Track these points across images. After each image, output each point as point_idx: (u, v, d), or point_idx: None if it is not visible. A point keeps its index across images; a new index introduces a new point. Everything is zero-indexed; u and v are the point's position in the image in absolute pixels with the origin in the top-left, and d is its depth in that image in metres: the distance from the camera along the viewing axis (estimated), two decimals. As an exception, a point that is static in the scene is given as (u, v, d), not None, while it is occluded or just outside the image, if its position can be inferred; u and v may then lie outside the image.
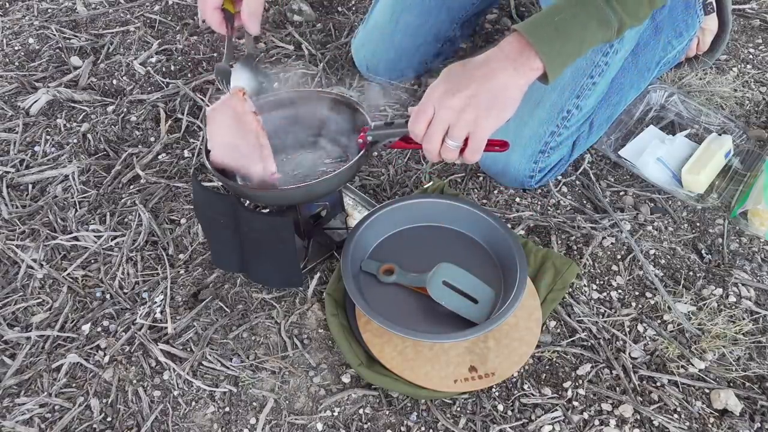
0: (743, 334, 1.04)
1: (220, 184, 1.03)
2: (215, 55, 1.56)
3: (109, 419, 0.98)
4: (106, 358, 1.04)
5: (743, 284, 1.10)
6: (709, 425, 0.94)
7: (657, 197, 1.24)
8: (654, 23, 1.26)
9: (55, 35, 1.61)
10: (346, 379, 1.00)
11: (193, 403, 0.99)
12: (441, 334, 0.98)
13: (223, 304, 1.09)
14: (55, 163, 1.34)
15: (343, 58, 1.53)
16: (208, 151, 1.01)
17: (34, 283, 1.14)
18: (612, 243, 1.16)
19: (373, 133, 0.98)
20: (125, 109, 1.44)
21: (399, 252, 1.09)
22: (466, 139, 0.90)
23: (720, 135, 1.30)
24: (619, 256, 1.15)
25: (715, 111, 1.36)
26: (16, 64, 1.56)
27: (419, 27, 1.39)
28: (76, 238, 1.20)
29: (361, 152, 0.99)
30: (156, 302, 1.10)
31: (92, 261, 1.17)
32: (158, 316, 1.08)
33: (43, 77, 1.52)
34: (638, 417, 0.95)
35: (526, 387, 0.99)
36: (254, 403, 0.98)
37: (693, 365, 1.00)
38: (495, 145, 0.96)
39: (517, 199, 1.24)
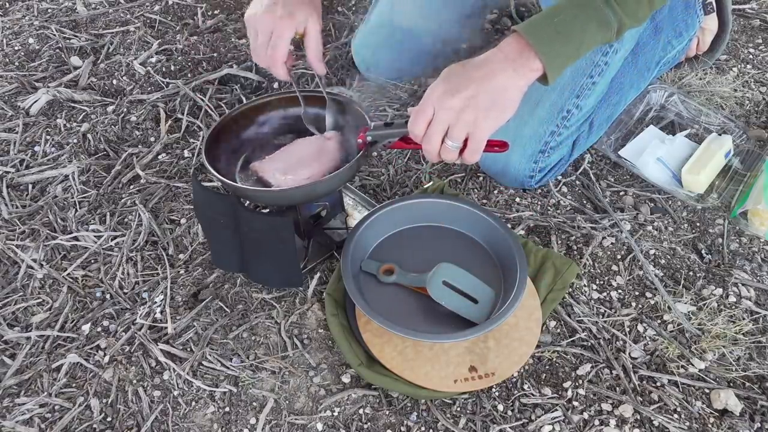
0: (743, 334, 1.04)
1: (220, 184, 1.03)
2: (215, 55, 1.56)
3: (109, 419, 0.98)
4: (106, 358, 1.04)
5: (743, 284, 1.10)
6: (709, 425, 0.94)
7: (657, 197, 1.24)
8: (654, 23, 1.26)
9: (55, 35, 1.61)
10: (346, 379, 1.00)
11: (193, 403, 0.99)
12: (441, 334, 0.98)
13: (223, 304, 1.09)
14: (55, 163, 1.34)
15: (343, 58, 1.53)
16: (207, 151, 1.02)
17: (34, 283, 1.14)
18: (612, 243, 1.16)
19: (372, 134, 0.98)
20: (125, 109, 1.44)
21: (399, 252, 1.10)
22: (466, 140, 0.90)
23: (720, 135, 1.30)
24: (619, 256, 1.15)
25: (715, 111, 1.36)
26: (16, 64, 1.56)
27: (419, 27, 1.39)
28: (76, 238, 1.20)
29: (361, 152, 0.99)
30: (156, 302, 1.10)
31: (92, 261, 1.17)
32: (158, 316, 1.08)
33: (43, 77, 1.52)
34: (638, 417, 0.95)
35: (526, 387, 0.99)
36: (254, 403, 0.98)
37: (693, 365, 1.00)
38: (495, 145, 0.96)
39: (517, 199, 1.24)
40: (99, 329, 1.08)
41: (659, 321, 1.06)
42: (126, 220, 1.23)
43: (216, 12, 1.71)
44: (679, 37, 1.31)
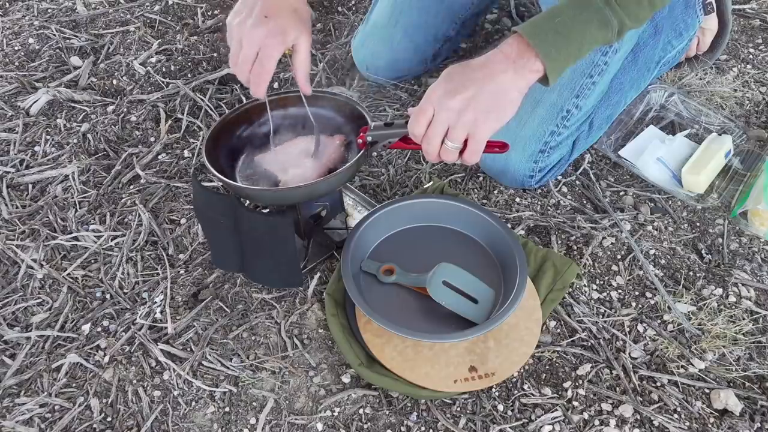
0: (743, 334, 1.04)
1: (220, 184, 1.03)
2: (215, 55, 1.56)
3: (109, 419, 0.98)
4: (106, 358, 1.04)
5: (743, 284, 1.10)
6: (709, 425, 0.94)
7: (657, 197, 1.24)
8: (654, 23, 1.26)
9: (55, 35, 1.61)
10: (346, 379, 1.00)
11: (193, 403, 0.99)
12: (441, 334, 0.98)
13: (223, 304, 1.09)
14: (55, 163, 1.34)
15: (343, 58, 1.53)
16: (207, 151, 1.02)
17: (34, 283, 1.14)
18: (612, 243, 1.16)
19: (372, 134, 0.98)
20: (125, 109, 1.44)
21: (399, 252, 1.10)
22: (466, 141, 0.90)
23: (720, 135, 1.30)
24: (619, 256, 1.15)
25: (715, 111, 1.36)
26: (16, 64, 1.56)
27: (419, 27, 1.39)
28: (76, 238, 1.20)
29: (361, 152, 0.99)
30: (156, 302, 1.10)
31: (92, 261, 1.17)
32: (158, 316, 1.08)
33: (43, 77, 1.52)
34: (638, 417, 0.95)
35: (526, 387, 0.99)
36: (254, 403, 0.98)
37: (693, 365, 1.01)
38: (494, 146, 0.96)
39: (517, 199, 1.24)
40: (99, 329, 1.08)
41: (659, 321, 1.06)
42: (126, 220, 1.23)
43: (216, 12, 1.71)
44: (679, 37, 1.31)
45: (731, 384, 0.99)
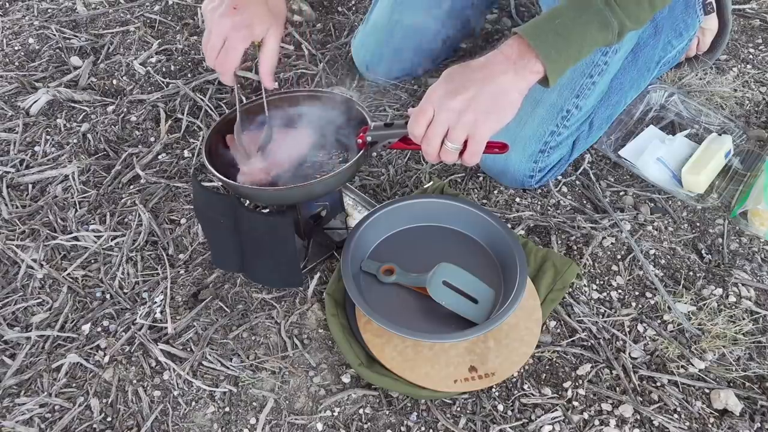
0: (743, 334, 1.04)
1: (220, 184, 1.03)
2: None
3: (109, 419, 0.98)
4: (106, 358, 1.04)
5: (743, 284, 1.10)
6: (709, 425, 0.94)
7: (657, 197, 1.24)
8: (654, 23, 1.26)
9: (55, 35, 1.61)
10: (346, 379, 1.00)
11: (193, 403, 0.99)
12: (441, 334, 0.98)
13: (223, 304, 1.09)
14: (55, 163, 1.34)
15: (343, 58, 1.53)
16: (207, 151, 1.02)
17: (34, 283, 1.14)
18: (612, 243, 1.16)
19: (372, 134, 0.98)
20: (125, 109, 1.44)
21: (399, 252, 1.10)
22: (466, 141, 0.90)
23: (720, 135, 1.30)
24: (619, 256, 1.15)
25: (715, 111, 1.36)
26: (16, 64, 1.56)
27: (419, 27, 1.39)
28: (76, 238, 1.20)
29: (361, 152, 0.99)
30: (156, 302, 1.10)
31: (92, 261, 1.17)
32: (158, 316, 1.09)
33: (43, 77, 1.52)
34: (638, 417, 0.95)
35: (526, 387, 0.99)
36: (254, 403, 0.98)
37: (693, 365, 1.01)
38: (494, 147, 0.96)
39: (517, 199, 1.24)
40: (99, 329, 1.08)
41: (659, 321, 1.06)
42: (126, 220, 1.23)
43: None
44: (679, 37, 1.31)
45: (731, 384, 0.99)
